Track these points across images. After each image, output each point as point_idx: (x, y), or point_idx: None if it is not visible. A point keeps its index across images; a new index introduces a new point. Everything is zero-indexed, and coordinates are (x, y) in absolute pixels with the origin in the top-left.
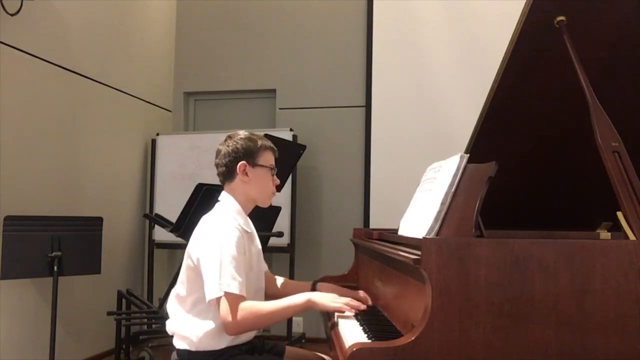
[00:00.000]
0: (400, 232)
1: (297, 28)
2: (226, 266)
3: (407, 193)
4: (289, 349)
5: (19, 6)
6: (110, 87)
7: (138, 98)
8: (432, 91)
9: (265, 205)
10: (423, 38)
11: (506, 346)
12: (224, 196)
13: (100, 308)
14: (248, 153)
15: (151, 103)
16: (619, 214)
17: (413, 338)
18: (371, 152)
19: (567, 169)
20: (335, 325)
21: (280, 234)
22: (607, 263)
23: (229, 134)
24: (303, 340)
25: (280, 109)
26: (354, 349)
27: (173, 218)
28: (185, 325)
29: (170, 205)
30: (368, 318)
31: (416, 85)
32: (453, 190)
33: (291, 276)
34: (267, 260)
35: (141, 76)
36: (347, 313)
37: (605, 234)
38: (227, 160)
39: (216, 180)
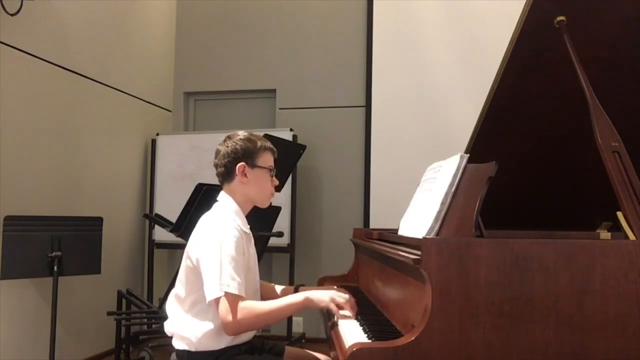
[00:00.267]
0: (400, 232)
1: (297, 28)
2: (226, 266)
3: (407, 193)
4: (289, 349)
5: (19, 6)
6: (110, 87)
7: (138, 98)
8: (432, 91)
9: (264, 206)
10: (423, 38)
11: (506, 346)
12: (223, 196)
13: (100, 308)
14: (247, 154)
15: (151, 103)
16: (619, 214)
17: (413, 338)
18: (371, 152)
19: (567, 169)
20: (335, 325)
21: (280, 234)
22: (607, 263)
23: (229, 134)
24: (303, 340)
25: (280, 109)
26: (354, 349)
27: (173, 218)
28: (185, 326)
29: (170, 205)
30: (368, 318)
31: (416, 85)
32: (453, 190)
33: (291, 276)
34: (267, 260)
35: (141, 76)
36: (346, 313)
37: (605, 234)
38: (226, 160)
39: (216, 180)
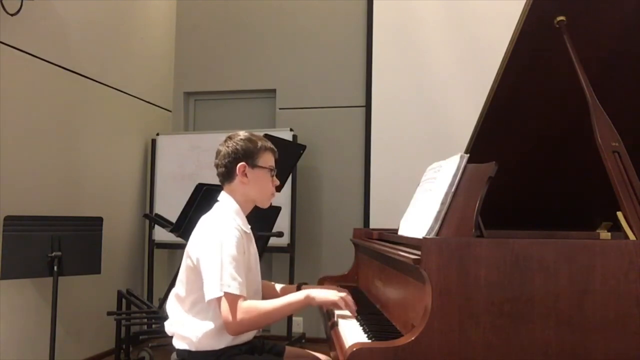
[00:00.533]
0: (400, 232)
1: (297, 28)
2: (226, 266)
3: (407, 193)
4: (289, 349)
5: (19, 6)
6: (110, 87)
7: (138, 98)
8: (432, 91)
9: (264, 206)
10: (423, 38)
11: (506, 346)
12: (223, 196)
13: (100, 308)
14: (247, 154)
15: (151, 103)
16: (619, 214)
17: (413, 338)
18: (371, 152)
19: (567, 169)
20: (335, 325)
21: (280, 234)
22: (607, 263)
23: (229, 134)
24: (303, 340)
25: (280, 109)
26: (354, 349)
27: (173, 218)
28: (185, 326)
29: (170, 205)
30: (368, 318)
31: (416, 85)
32: (453, 190)
33: (291, 276)
34: (267, 260)
35: (141, 76)
36: (346, 312)
37: (605, 234)
38: (226, 161)
39: (216, 180)
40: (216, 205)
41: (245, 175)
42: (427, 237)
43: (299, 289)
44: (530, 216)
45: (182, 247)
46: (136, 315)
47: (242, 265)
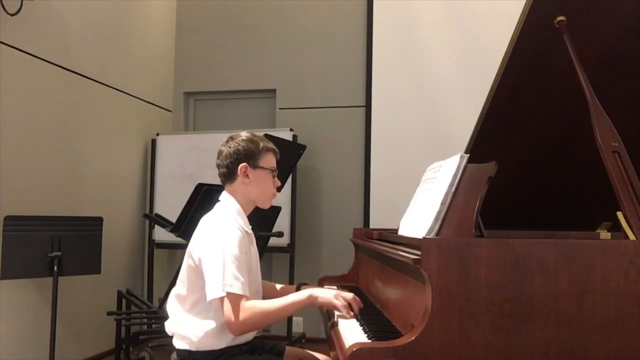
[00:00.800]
0: (400, 232)
1: (297, 28)
2: (229, 266)
3: (407, 193)
4: (289, 349)
5: (19, 6)
6: (110, 87)
7: (138, 98)
8: (432, 91)
9: (265, 206)
10: (423, 38)
11: (506, 346)
12: (225, 196)
13: (100, 308)
14: (249, 155)
15: (151, 103)
16: (619, 214)
17: (413, 338)
18: (371, 152)
19: (567, 169)
20: (335, 325)
21: (280, 234)
22: (607, 263)
23: (231, 134)
24: (303, 340)
25: (280, 109)
26: (354, 349)
27: (173, 218)
28: (186, 325)
29: (170, 205)
30: (368, 318)
31: (416, 85)
32: (453, 190)
33: (291, 276)
34: (267, 260)
35: (141, 76)
36: (346, 313)
37: (605, 234)
38: (228, 161)
39: (216, 180)
40: (217, 205)
41: (247, 175)
42: (427, 237)
43: (298, 289)
44: (530, 216)
45: (182, 247)
46: (136, 315)
47: (244, 265)
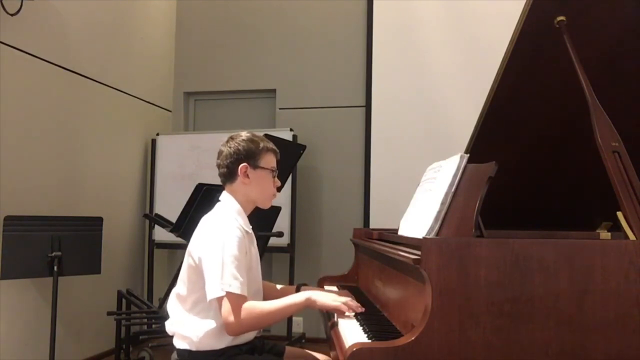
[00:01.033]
0: (400, 232)
1: (297, 28)
2: (228, 266)
3: (407, 193)
4: (289, 349)
5: (19, 6)
6: (110, 87)
7: (138, 98)
8: (432, 91)
9: (265, 207)
10: (423, 38)
11: (506, 346)
12: (225, 196)
13: (100, 308)
14: (249, 155)
15: (151, 103)
16: (619, 214)
17: (413, 338)
18: (371, 152)
19: (567, 169)
20: (335, 325)
21: (280, 234)
22: (607, 263)
23: (231, 134)
24: (303, 340)
25: (280, 109)
26: (354, 349)
27: (173, 218)
28: (186, 325)
29: (170, 205)
30: (368, 318)
31: (416, 85)
32: (453, 190)
33: (291, 276)
34: (267, 260)
35: (141, 76)
36: (345, 313)
37: (605, 234)
38: (228, 161)
39: (216, 180)
40: (218, 205)
41: (247, 176)
42: (427, 237)
43: (298, 289)
44: (530, 216)
45: (182, 247)
46: (136, 315)
47: (244, 265)
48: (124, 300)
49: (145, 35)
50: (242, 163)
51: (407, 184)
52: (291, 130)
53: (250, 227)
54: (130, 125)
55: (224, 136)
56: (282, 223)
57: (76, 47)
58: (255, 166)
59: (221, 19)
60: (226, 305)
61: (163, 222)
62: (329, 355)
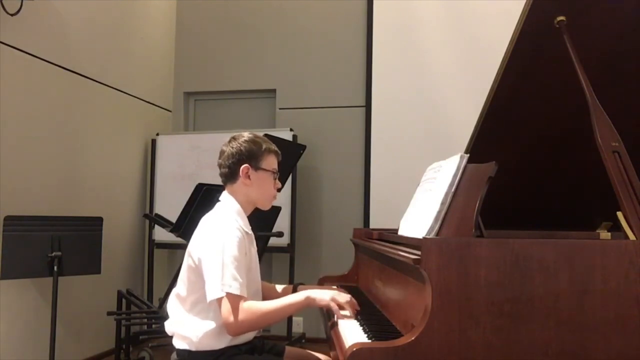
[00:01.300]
0: (400, 232)
1: (297, 28)
2: (228, 266)
3: (407, 193)
4: (289, 349)
5: (19, 6)
6: (110, 87)
7: (138, 98)
8: (432, 91)
9: (265, 208)
10: (423, 38)
11: (506, 346)
12: (225, 196)
13: (100, 308)
14: (251, 156)
15: (151, 103)
16: (619, 214)
17: (413, 338)
18: (371, 152)
19: (567, 169)
20: (335, 325)
21: (280, 234)
22: (607, 263)
23: (234, 135)
24: (303, 340)
25: (280, 109)
26: (354, 349)
27: (173, 218)
28: (186, 325)
29: (170, 205)
30: (368, 318)
31: (416, 85)
32: (453, 190)
33: (291, 276)
34: (267, 260)
35: (141, 76)
36: (347, 312)
37: (605, 234)
38: (230, 162)
39: (216, 180)
40: (218, 205)
41: (248, 177)
42: (427, 237)
43: (295, 289)
44: (530, 216)
45: (182, 247)
46: (136, 315)
47: (244, 265)
48: (124, 300)
49: (145, 35)
50: (243, 164)
51: (407, 184)
52: (291, 130)
53: (250, 227)
54: (130, 125)
55: (224, 136)
56: (282, 223)
57: (76, 47)
58: (256, 167)
59: (221, 19)
60: (226, 306)
61: (163, 222)
62: (329, 355)
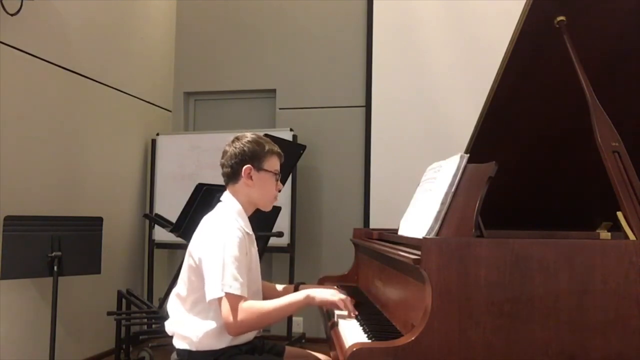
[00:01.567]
0: (400, 232)
1: (297, 28)
2: (228, 266)
3: (407, 193)
4: (289, 349)
5: (19, 6)
6: (110, 87)
7: (138, 98)
8: (432, 91)
9: (266, 209)
10: (423, 38)
11: (506, 346)
12: (226, 196)
13: (100, 308)
14: (254, 157)
15: (151, 103)
16: (619, 214)
17: (413, 338)
18: (371, 152)
19: (567, 169)
20: (335, 325)
21: (280, 234)
22: (607, 263)
23: (237, 135)
24: (303, 340)
25: (280, 109)
26: (354, 349)
27: (173, 218)
28: (186, 325)
29: (170, 205)
30: (368, 318)
31: (416, 85)
32: (453, 190)
33: (291, 276)
34: (267, 260)
35: (141, 76)
36: (346, 312)
37: (605, 234)
38: (232, 162)
39: (216, 180)
40: (219, 205)
41: (251, 177)
42: (427, 237)
43: (296, 288)
44: (530, 216)
45: (182, 247)
46: (136, 315)
47: (244, 265)
48: (124, 300)
49: (145, 35)
50: (246, 164)
51: (407, 184)
52: (291, 130)
53: (251, 228)
54: (130, 125)
55: (224, 136)
56: (282, 223)
57: (76, 47)
58: (259, 168)
59: (221, 19)
60: (226, 306)
61: (163, 222)
62: (329, 355)
